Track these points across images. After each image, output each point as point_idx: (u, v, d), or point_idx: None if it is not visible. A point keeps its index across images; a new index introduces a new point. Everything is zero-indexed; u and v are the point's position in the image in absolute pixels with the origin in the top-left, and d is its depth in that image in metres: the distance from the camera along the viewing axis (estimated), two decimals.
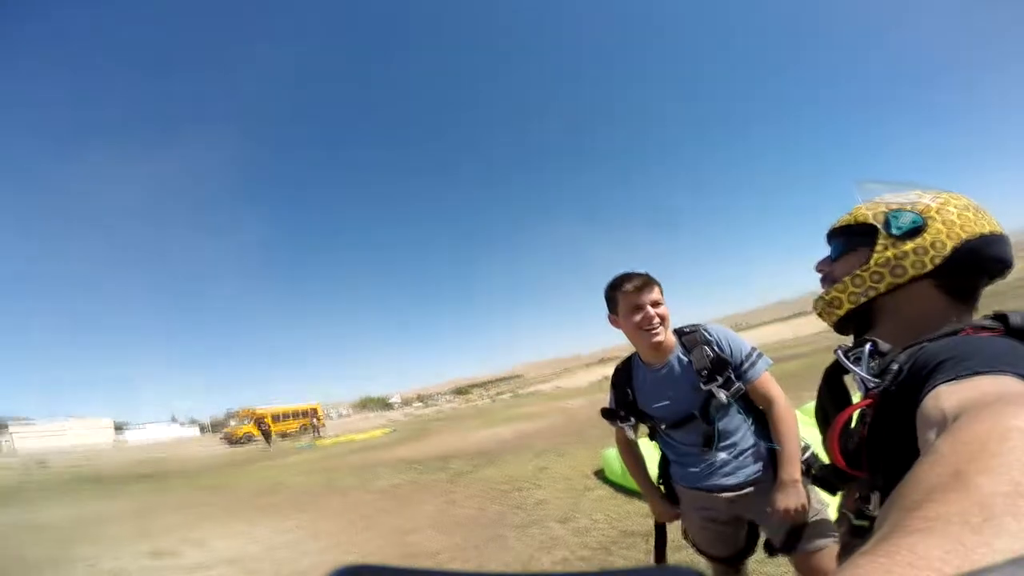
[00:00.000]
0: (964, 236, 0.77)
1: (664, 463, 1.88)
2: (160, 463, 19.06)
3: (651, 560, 2.96)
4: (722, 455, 1.64)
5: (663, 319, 1.65)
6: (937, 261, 0.78)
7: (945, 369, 0.58)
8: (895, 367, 0.70)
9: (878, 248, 0.84)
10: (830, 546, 1.51)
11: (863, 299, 0.86)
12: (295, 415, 37.65)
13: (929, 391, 0.56)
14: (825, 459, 1.50)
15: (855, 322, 0.91)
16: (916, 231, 0.80)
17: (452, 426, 18.52)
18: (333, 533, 5.29)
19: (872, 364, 0.76)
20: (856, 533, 0.82)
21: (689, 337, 1.69)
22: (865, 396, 0.73)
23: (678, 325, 1.77)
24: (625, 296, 1.66)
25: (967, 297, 0.81)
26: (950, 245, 0.77)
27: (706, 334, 1.68)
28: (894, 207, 0.85)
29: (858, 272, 0.85)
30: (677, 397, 1.67)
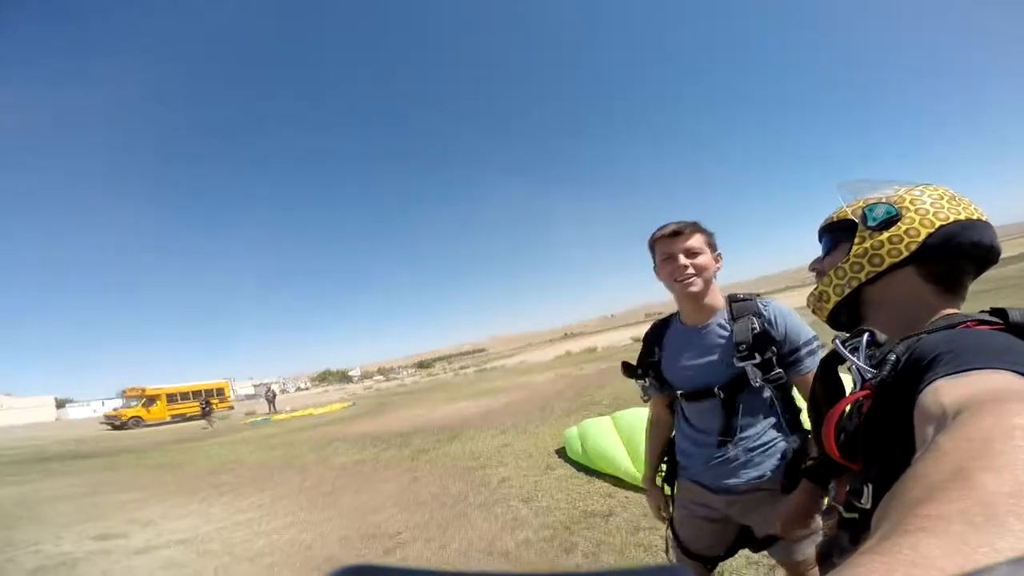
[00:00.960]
0: (938, 223, 0.80)
1: (672, 446, 1.72)
2: (106, 440, 18.29)
3: (623, 546, 3.04)
4: (735, 449, 1.48)
5: (700, 270, 1.47)
6: (912, 247, 0.81)
7: (944, 362, 0.58)
8: (892, 358, 0.71)
9: (856, 240, 0.88)
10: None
11: (847, 290, 0.89)
12: (195, 395, 32.80)
13: (928, 384, 0.56)
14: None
15: (846, 315, 0.94)
16: (891, 221, 0.84)
17: (414, 401, 18.44)
18: (291, 512, 5.17)
19: (869, 354, 0.78)
20: (845, 526, 0.83)
21: (740, 304, 1.50)
22: (862, 387, 0.74)
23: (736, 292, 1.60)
24: (659, 244, 1.51)
25: (952, 285, 0.82)
26: (924, 232, 0.80)
27: (761, 306, 1.49)
28: (871, 201, 0.89)
29: (840, 265, 0.90)
30: (703, 365, 1.51)
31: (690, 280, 1.46)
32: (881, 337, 0.79)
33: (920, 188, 0.87)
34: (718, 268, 1.54)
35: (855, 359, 0.77)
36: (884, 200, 0.87)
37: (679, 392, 1.57)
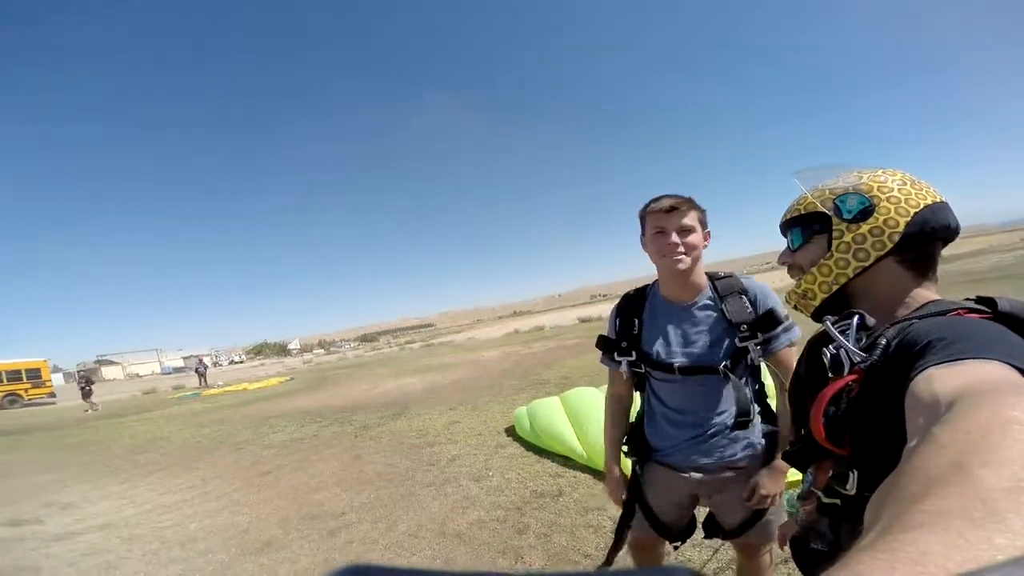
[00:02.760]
0: (912, 210, 0.81)
1: (639, 426, 1.68)
2: (17, 417, 16.80)
3: (556, 531, 3.04)
4: (712, 430, 1.50)
5: (691, 248, 1.44)
6: (896, 238, 0.81)
7: (936, 350, 0.59)
8: (883, 342, 0.71)
9: (835, 235, 0.87)
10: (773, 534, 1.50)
11: (835, 287, 0.88)
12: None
13: (920, 372, 0.56)
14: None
15: (830, 309, 0.92)
16: (866, 212, 0.83)
17: (357, 375, 18.01)
18: (226, 493, 4.91)
19: (858, 338, 0.78)
20: (824, 511, 0.83)
21: (724, 282, 1.51)
22: (851, 370, 0.74)
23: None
24: (652, 217, 1.47)
25: (928, 270, 0.84)
26: (903, 221, 0.81)
27: (743, 284, 1.50)
28: (839, 191, 0.88)
29: (824, 261, 0.88)
30: (699, 343, 1.48)
31: (679, 258, 1.43)
32: (870, 321, 0.79)
33: (881, 173, 0.87)
34: (706, 246, 1.52)
35: (846, 341, 0.77)
36: (852, 190, 0.86)
37: (675, 368, 1.51)
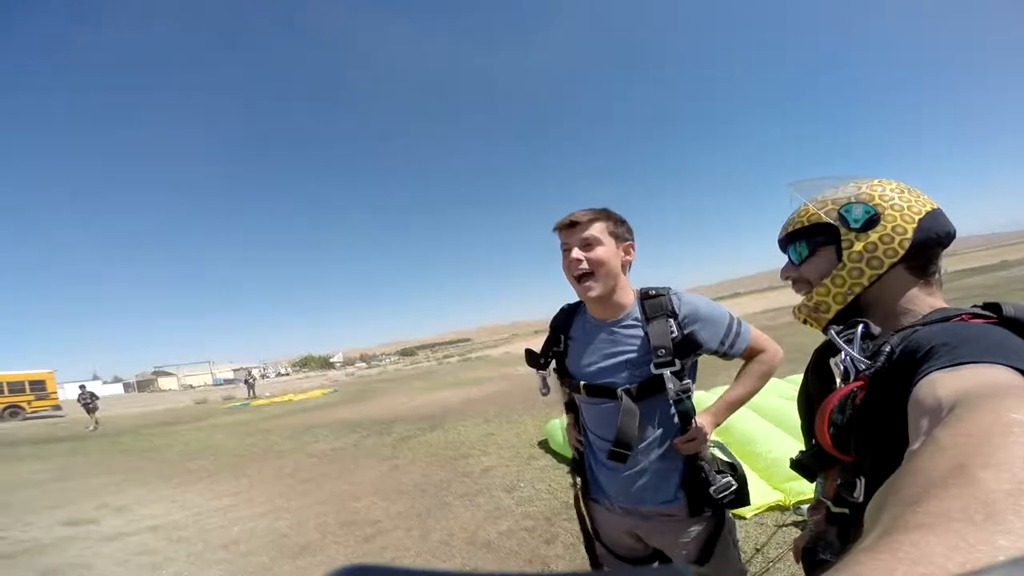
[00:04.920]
0: (916, 216, 0.81)
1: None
2: (79, 424, 17.84)
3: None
4: (640, 465, 1.35)
5: (596, 264, 1.32)
6: (906, 244, 0.80)
7: (939, 355, 0.59)
8: (887, 349, 0.72)
9: (844, 244, 0.85)
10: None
11: (850, 297, 0.86)
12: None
13: (923, 376, 0.57)
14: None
15: (840, 321, 0.90)
16: (872, 221, 0.83)
17: (396, 388, 18.34)
18: (269, 499, 5.09)
19: (863, 346, 0.78)
20: (833, 521, 0.82)
21: (653, 302, 1.36)
22: (856, 378, 0.74)
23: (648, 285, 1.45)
24: (558, 234, 1.39)
25: (931, 275, 0.84)
26: (910, 228, 0.81)
27: (674, 303, 1.35)
28: (842, 201, 0.87)
29: (836, 272, 0.86)
30: (610, 363, 1.37)
31: (585, 279, 1.34)
32: (875, 329, 0.79)
33: (877, 183, 0.86)
34: (628, 260, 1.42)
35: (850, 350, 0.77)
36: (854, 199, 0.85)
37: (581, 387, 1.42)
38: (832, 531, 0.83)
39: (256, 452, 8.05)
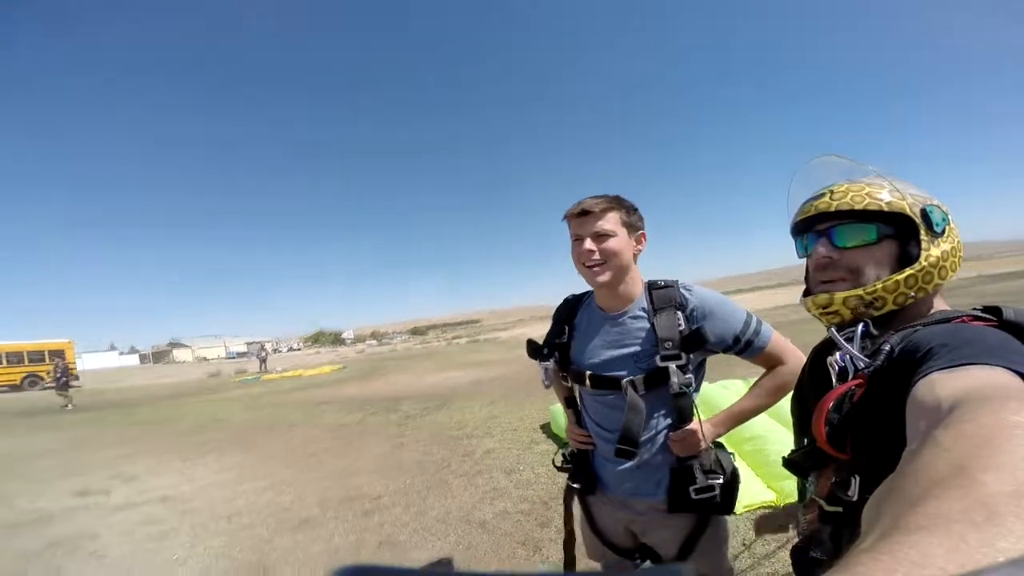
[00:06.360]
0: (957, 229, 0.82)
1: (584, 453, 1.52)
2: (94, 395, 18.28)
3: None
4: (640, 458, 1.34)
5: (610, 255, 1.30)
6: (961, 262, 0.82)
7: (939, 356, 0.59)
8: (887, 348, 0.72)
9: (924, 246, 0.80)
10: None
11: (910, 301, 0.80)
12: (10, 359, 25.38)
13: (922, 377, 0.56)
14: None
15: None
16: (944, 230, 0.81)
17: (405, 366, 18.55)
18: (274, 472, 5.20)
19: (863, 344, 0.78)
20: (827, 520, 0.81)
21: (661, 293, 1.33)
22: (855, 376, 0.74)
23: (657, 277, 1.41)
24: (569, 222, 1.37)
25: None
26: (961, 244, 0.82)
27: (684, 296, 1.32)
28: (921, 200, 0.81)
29: (911, 272, 0.79)
30: (615, 355, 1.35)
31: (596, 268, 1.32)
32: (874, 330, 0.79)
33: (918, 187, 0.85)
34: (639, 250, 1.39)
35: (851, 348, 0.76)
36: (932, 202, 0.82)
37: (586, 378, 1.40)
38: (826, 530, 0.82)
39: (265, 426, 8.21)
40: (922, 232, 0.79)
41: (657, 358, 1.28)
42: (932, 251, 0.79)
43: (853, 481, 0.73)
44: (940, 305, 0.83)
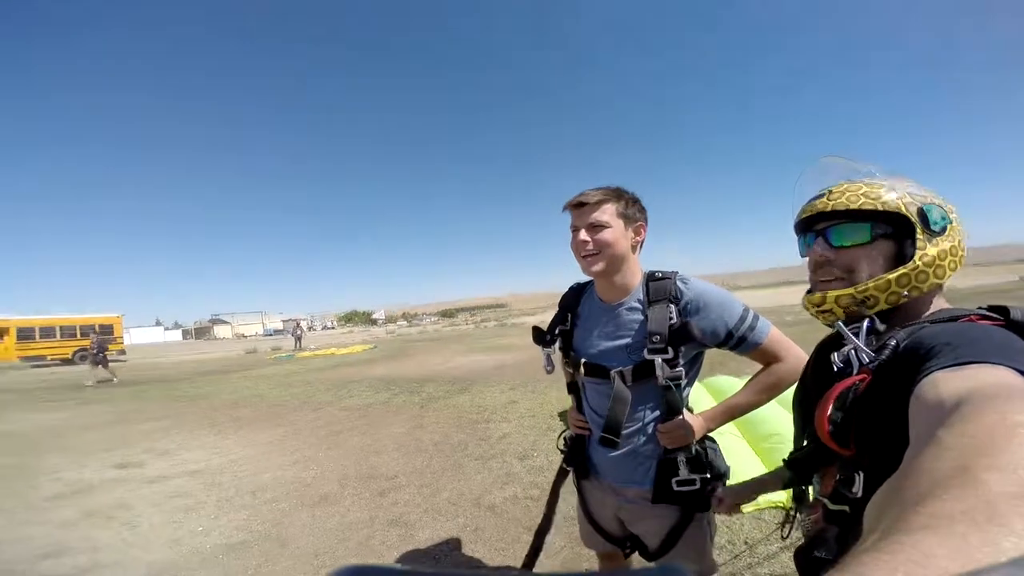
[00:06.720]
0: (963, 233, 0.81)
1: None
2: (139, 369, 19.20)
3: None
4: (626, 446, 1.38)
5: (603, 246, 1.32)
6: (963, 260, 0.81)
7: (943, 354, 0.59)
8: (893, 343, 0.71)
9: (919, 245, 0.80)
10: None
11: (904, 300, 0.81)
12: (63, 332, 25.17)
13: (926, 374, 0.56)
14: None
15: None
16: (944, 229, 0.80)
17: (433, 348, 18.82)
18: (300, 449, 5.39)
19: (868, 340, 0.78)
20: (831, 519, 0.81)
21: (657, 285, 1.34)
22: (859, 371, 0.74)
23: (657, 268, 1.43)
24: (569, 213, 1.40)
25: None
26: (963, 243, 0.81)
27: (679, 289, 1.32)
28: (919, 199, 0.81)
29: (904, 271, 0.79)
30: (611, 345, 1.38)
31: (590, 258, 1.34)
32: (880, 326, 0.79)
33: (920, 185, 0.84)
34: (638, 241, 1.40)
35: (858, 341, 0.76)
36: (931, 201, 0.81)
37: (582, 365, 1.47)
38: (832, 530, 0.82)
39: (295, 403, 8.49)
40: (918, 231, 0.80)
41: (646, 349, 1.30)
42: (928, 250, 0.79)
43: (857, 478, 0.73)
44: (941, 304, 0.83)
